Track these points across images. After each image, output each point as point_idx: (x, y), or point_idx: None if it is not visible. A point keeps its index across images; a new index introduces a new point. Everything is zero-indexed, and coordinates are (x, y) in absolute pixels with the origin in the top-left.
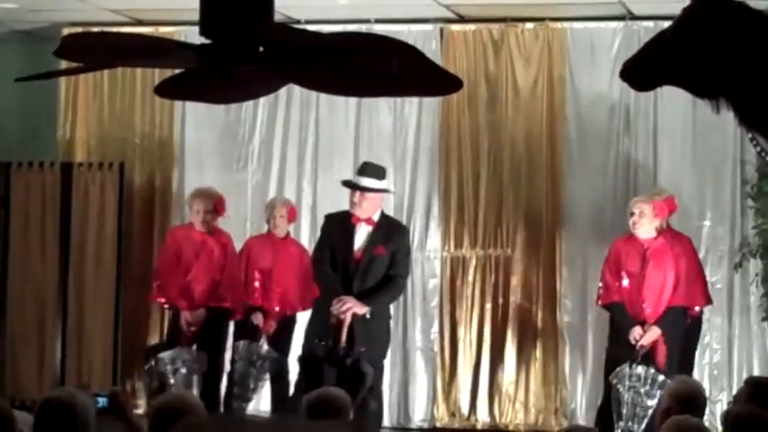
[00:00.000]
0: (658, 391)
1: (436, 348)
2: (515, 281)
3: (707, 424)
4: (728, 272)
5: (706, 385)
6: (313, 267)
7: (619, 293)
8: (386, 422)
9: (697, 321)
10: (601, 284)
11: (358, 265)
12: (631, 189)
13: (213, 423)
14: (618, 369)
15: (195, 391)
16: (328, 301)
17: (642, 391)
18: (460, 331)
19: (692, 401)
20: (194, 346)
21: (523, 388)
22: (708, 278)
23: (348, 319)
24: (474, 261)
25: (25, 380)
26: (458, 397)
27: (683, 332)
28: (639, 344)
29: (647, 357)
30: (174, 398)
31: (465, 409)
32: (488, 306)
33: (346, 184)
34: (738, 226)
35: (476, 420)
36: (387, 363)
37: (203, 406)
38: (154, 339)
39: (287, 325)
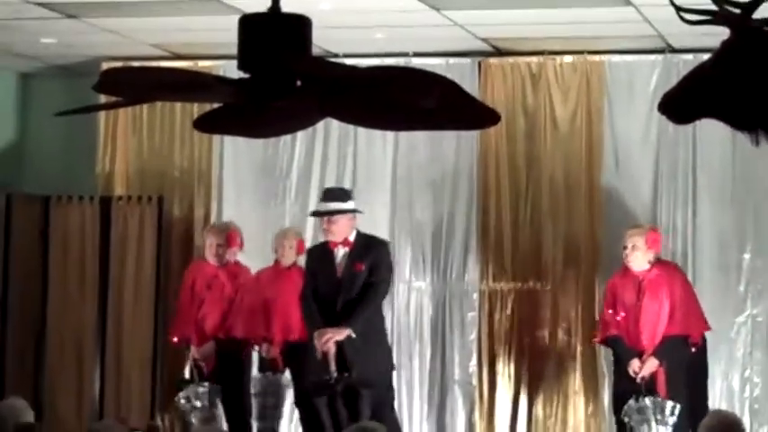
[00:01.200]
0: (670, 418)
1: (474, 382)
2: (554, 314)
3: None
4: None
5: (747, 419)
6: (300, 305)
7: (616, 327)
8: None
9: (703, 349)
10: (599, 322)
11: (341, 283)
12: (671, 222)
13: None
14: (625, 406)
15: (224, 426)
16: (312, 336)
17: (653, 421)
18: (499, 365)
19: None
20: (207, 382)
21: (562, 422)
22: (750, 311)
23: (331, 348)
24: (512, 294)
25: (64, 413)
26: (497, 431)
27: (689, 361)
28: (640, 375)
29: (651, 388)
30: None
31: None
32: (527, 340)
33: (313, 214)
34: None
35: None
36: (423, 396)
37: None
38: None
39: (304, 352)
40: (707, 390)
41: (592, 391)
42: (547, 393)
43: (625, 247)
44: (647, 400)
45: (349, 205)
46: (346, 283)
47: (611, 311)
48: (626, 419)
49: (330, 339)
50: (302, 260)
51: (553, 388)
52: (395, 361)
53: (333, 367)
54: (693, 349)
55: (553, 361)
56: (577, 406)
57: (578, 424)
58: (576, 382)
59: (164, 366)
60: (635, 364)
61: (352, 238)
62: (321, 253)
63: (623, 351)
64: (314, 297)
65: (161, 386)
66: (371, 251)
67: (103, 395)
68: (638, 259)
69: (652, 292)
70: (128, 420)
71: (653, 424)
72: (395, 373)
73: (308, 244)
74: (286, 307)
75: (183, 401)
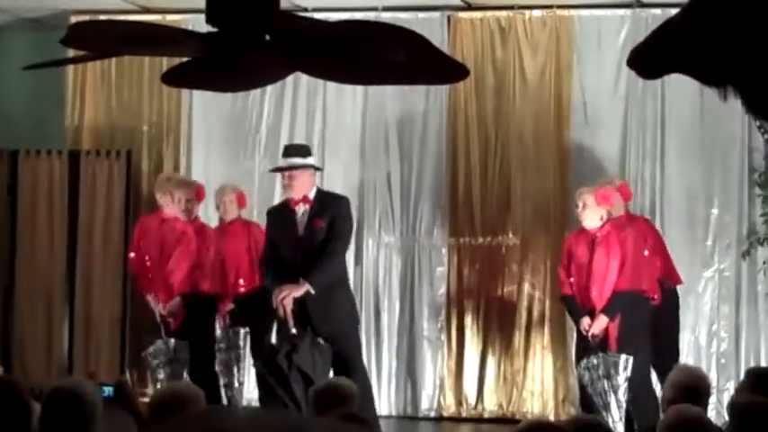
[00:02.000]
0: (624, 373)
1: (443, 337)
2: (523, 269)
3: (714, 413)
4: (736, 260)
5: (713, 374)
6: (258, 266)
7: (570, 286)
8: (393, 411)
9: (669, 304)
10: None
11: (301, 242)
12: (639, 177)
13: (211, 414)
14: (579, 365)
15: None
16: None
17: (605, 378)
18: (467, 320)
19: (694, 390)
20: (172, 338)
21: (530, 376)
22: (717, 265)
23: (288, 305)
24: (481, 249)
25: (33, 368)
26: (465, 386)
27: (656, 316)
28: (590, 333)
29: (604, 345)
30: (175, 388)
31: (472, 398)
32: (496, 294)
33: (273, 170)
34: (746, 214)
35: (483, 409)
36: (392, 351)
37: (204, 397)
38: None
39: (260, 307)
40: (678, 345)
41: (560, 345)
42: (515, 348)
43: (576, 206)
44: (595, 359)
45: (309, 161)
46: (306, 242)
47: (563, 271)
48: (581, 380)
49: (287, 296)
50: (245, 214)
51: (521, 343)
52: (363, 315)
53: (292, 323)
54: (655, 303)
55: (521, 316)
56: (545, 360)
57: (546, 378)
58: (544, 336)
59: (133, 320)
60: (585, 322)
61: (312, 195)
62: (281, 212)
63: (574, 310)
64: (275, 257)
65: (130, 340)
66: (330, 207)
67: (72, 350)
68: (589, 217)
69: (603, 248)
70: (96, 375)
71: (605, 381)
72: (364, 328)
73: (277, 200)
74: (234, 262)
75: (150, 357)
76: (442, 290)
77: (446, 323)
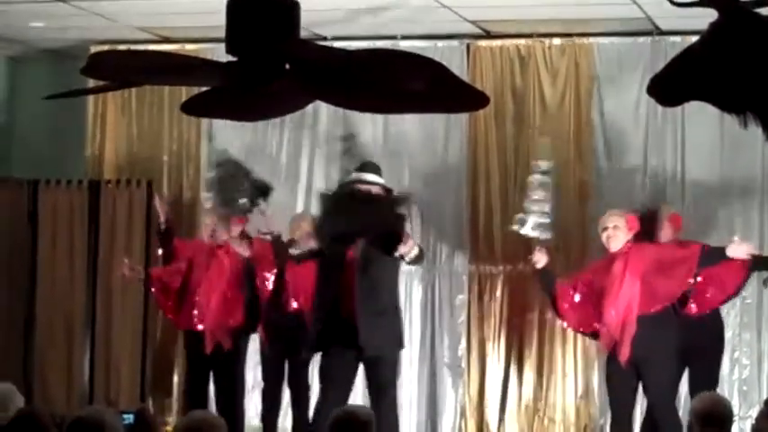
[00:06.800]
0: None
1: (464, 364)
2: (543, 297)
3: None
4: (758, 287)
5: (736, 402)
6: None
7: None
8: None
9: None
10: None
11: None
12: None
13: None
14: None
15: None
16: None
17: None
18: (488, 347)
19: (717, 418)
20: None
21: (552, 404)
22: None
23: None
24: (501, 276)
25: (54, 396)
26: (486, 413)
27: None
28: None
29: None
30: (198, 417)
31: (493, 426)
32: (516, 322)
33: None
34: (767, 242)
35: None
36: (413, 378)
37: (225, 425)
38: (181, 357)
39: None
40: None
41: (582, 373)
42: (537, 376)
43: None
44: None
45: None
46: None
47: None
48: None
49: None
50: None
51: (543, 370)
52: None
53: None
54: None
55: (542, 343)
56: (567, 388)
57: (568, 406)
58: (566, 364)
59: (153, 349)
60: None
61: None
62: None
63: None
64: None
65: (151, 369)
66: None
67: (93, 378)
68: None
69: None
70: (116, 403)
71: None
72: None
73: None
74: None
75: None
76: (463, 317)
77: (467, 351)
